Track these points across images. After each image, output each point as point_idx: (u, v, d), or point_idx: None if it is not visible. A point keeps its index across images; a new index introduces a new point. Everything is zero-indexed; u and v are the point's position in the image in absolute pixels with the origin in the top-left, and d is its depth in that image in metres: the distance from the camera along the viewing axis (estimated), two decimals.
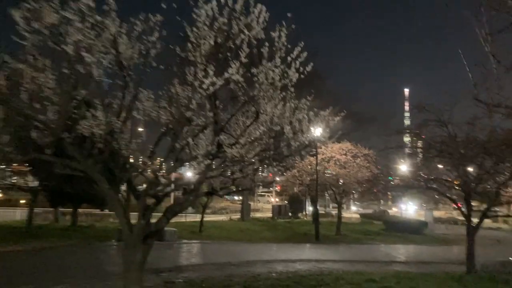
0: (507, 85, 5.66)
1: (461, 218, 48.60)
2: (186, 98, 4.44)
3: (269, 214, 47.71)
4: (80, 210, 27.99)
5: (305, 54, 5.72)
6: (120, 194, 5.81)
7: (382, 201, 76.74)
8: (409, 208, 60.02)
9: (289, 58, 5.63)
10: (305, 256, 17.74)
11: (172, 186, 5.84)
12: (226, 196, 72.61)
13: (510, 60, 5.41)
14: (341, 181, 26.88)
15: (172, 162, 5.27)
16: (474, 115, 12.59)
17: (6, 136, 5.60)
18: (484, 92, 5.71)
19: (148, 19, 4.58)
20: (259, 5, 5.01)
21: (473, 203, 13.81)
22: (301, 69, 5.85)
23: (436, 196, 18.77)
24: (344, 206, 54.44)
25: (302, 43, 5.52)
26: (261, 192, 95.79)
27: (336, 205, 31.30)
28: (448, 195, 13.84)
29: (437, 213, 54.04)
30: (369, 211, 64.82)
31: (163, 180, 4.77)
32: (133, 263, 5.57)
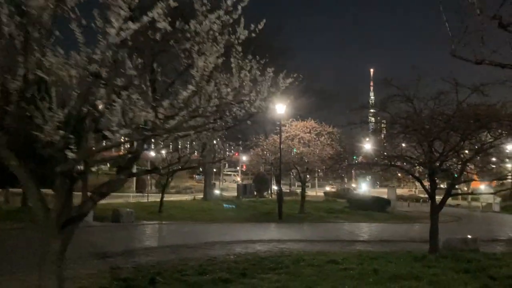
0: (491, 38, 4.98)
1: (423, 195, 49.80)
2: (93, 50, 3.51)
3: (235, 194, 47.16)
4: None
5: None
6: (35, 172, 4.82)
7: (346, 179, 77.92)
8: (362, 187, 60.84)
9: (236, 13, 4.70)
10: (266, 236, 17.18)
11: (92, 163, 4.89)
12: (197, 176, 71.78)
13: (494, 10, 4.71)
14: (305, 159, 26.40)
15: (93, 135, 4.32)
16: (440, 90, 12.15)
17: None
18: (463, 48, 4.99)
19: None
20: None
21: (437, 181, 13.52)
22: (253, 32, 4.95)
23: (399, 174, 18.63)
24: (309, 184, 54.62)
25: None
26: (227, 171, 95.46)
27: (300, 183, 30.98)
28: (412, 172, 13.45)
29: (399, 191, 55.07)
30: (333, 189, 65.49)
31: (70, 155, 3.84)
32: (50, 253, 4.66)
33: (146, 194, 41.77)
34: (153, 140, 5.64)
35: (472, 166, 12.48)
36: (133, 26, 3.41)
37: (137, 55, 4.05)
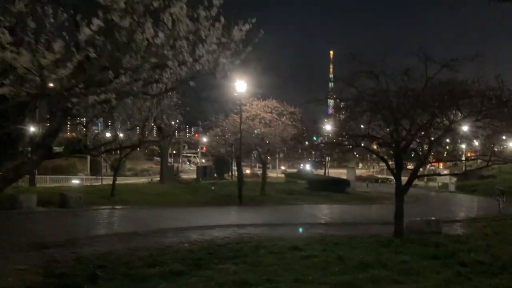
0: None
1: (381, 176, 50.53)
2: None
3: (195, 176, 45.95)
4: None
5: None
6: None
7: (309, 160, 77.96)
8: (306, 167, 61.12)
9: None
10: (225, 220, 16.26)
11: None
12: (157, 158, 69.49)
13: None
14: (267, 140, 25.57)
15: None
16: (408, 66, 11.47)
17: None
18: None
19: None
20: None
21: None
22: None
23: (358, 155, 18.16)
24: (270, 166, 54.07)
25: None
26: (187, 153, 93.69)
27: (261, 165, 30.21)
28: (377, 153, 12.83)
29: (358, 172, 55.62)
30: (294, 170, 65.45)
31: None
32: None
33: (100, 177, 39.98)
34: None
35: (440, 147, 11.93)
36: None
37: None
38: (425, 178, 55.25)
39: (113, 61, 3.48)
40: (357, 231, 15.10)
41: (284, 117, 25.76)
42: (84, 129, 7.15)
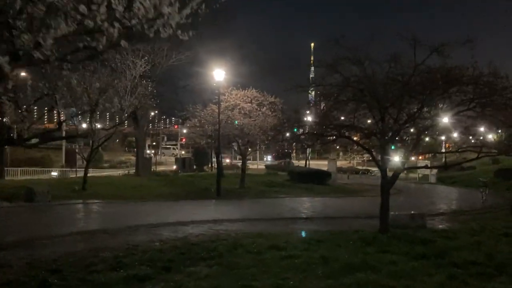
0: None
1: (361, 167, 50.30)
2: None
3: (174, 168, 44.80)
4: None
5: None
6: None
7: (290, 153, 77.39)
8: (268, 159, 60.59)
9: None
10: (201, 216, 15.39)
11: None
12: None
13: None
14: (246, 131, 24.67)
15: None
16: (396, 52, 10.73)
17: None
18: None
19: None
20: None
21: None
22: None
23: (338, 147, 17.48)
24: (251, 157, 53.18)
25: None
26: (166, 144, 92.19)
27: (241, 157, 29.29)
28: (362, 144, 12.11)
29: (338, 163, 55.19)
30: (275, 162, 64.77)
31: None
32: None
33: (75, 169, 38.53)
34: None
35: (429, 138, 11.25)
36: None
37: None
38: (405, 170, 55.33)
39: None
40: (340, 225, 14.43)
41: (265, 107, 24.88)
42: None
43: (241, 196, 23.00)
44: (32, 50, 2.84)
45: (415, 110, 10.23)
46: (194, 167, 44.91)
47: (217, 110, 23.64)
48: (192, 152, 55.23)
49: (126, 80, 21.49)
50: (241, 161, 30.01)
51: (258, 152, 58.43)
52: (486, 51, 9.94)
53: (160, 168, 46.50)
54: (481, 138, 12.08)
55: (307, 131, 11.78)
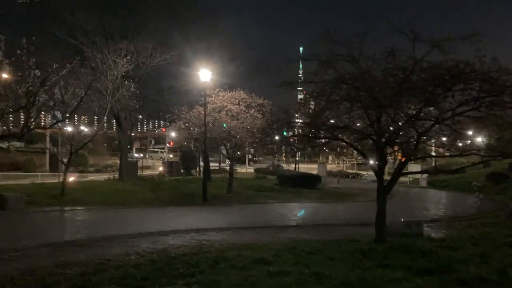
0: None
1: (351, 171, 49.54)
2: None
3: (160, 170, 43.66)
4: None
5: None
6: None
7: (276, 156, 76.57)
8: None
9: None
10: (184, 224, 14.39)
11: None
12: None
13: None
14: (234, 133, 23.74)
15: None
16: (393, 47, 9.90)
17: None
18: None
19: None
20: None
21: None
22: None
23: (326, 150, 16.51)
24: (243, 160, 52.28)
25: None
26: (154, 148, 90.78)
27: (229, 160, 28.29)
28: (356, 147, 11.24)
29: (328, 167, 54.46)
30: (264, 165, 63.87)
31: None
32: None
33: (58, 174, 37.24)
34: None
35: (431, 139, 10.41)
36: None
37: None
38: None
39: None
40: (332, 234, 13.59)
41: (253, 109, 23.98)
42: None
43: (228, 202, 22.03)
44: None
45: (417, 109, 9.39)
46: (182, 171, 43.83)
47: (203, 112, 22.69)
48: (180, 156, 54.16)
49: (107, 81, 20.48)
50: (229, 164, 29.01)
51: (246, 155, 57.61)
52: (488, 49, 9.08)
53: (147, 172, 45.35)
54: (484, 140, 11.37)
55: (297, 133, 10.86)
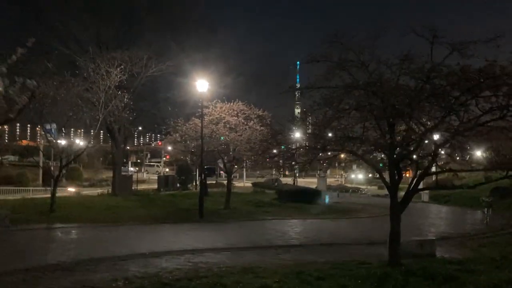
0: None
1: (350, 185, 48.51)
2: None
3: (156, 186, 42.51)
4: None
5: None
6: None
7: (275, 170, 75.40)
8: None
9: None
10: (179, 244, 13.35)
11: None
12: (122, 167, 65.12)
13: None
14: (231, 146, 22.77)
15: None
16: (410, 50, 9.05)
17: None
18: None
19: None
20: None
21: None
22: None
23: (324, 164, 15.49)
24: (237, 175, 51.14)
25: None
26: (150, 161, 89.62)
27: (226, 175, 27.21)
28: (367, 159, 10.31)
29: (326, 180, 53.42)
30: (261, 179, 62.86)
31: None
32: None
33: (48, 188, 36.08)
34: None
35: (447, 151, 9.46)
36: None
37: None
38: None
39: None
40: (340, 255, 12.56)
41: (252, 121, 23.06)
42: None
43: (226, 218, 20.96)
44: None
45: (436, 118, 8.49)
46: (178, 185, 42.71)
47: (200, 124, 21.76)
48: (176, 169, 53.03)
49: (100, 91, 19.56)
50: (226, 179, 27.97)
51: (244, 169, 56.53)
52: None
53: (142, 187, 44.22)
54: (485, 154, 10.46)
55: (302, 145, 9.92)
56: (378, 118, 9.05)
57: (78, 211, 20.34)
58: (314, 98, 9.56)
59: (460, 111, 8.20)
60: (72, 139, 25.91)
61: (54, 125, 20.16)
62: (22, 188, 42.42)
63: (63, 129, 18.58)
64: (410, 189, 9.81)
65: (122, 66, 20.65)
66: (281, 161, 11.06)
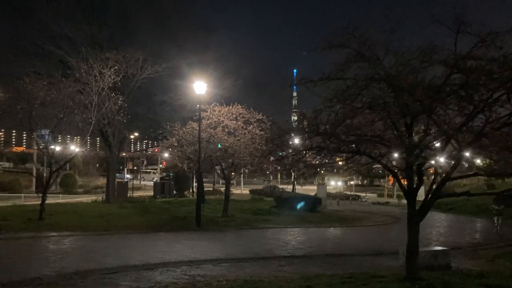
0: None
1: (350, 192, 47.61)
2: None
3: (152, 193, 41.47)
4: None
5: None
6: None
7: (271, 177, 74.33)
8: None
9: None
10: (175, 254, 12.36)
11: None
12: (117, 174, 64.08)
13: None
14: (231, 151, 21.83)
15: None
16: (427, 43, 8.21)
17: None
18: None
19: None
20: None
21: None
22: None
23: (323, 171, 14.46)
24: (235, 182, 50.17)
25: None
26: (146, 168, 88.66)
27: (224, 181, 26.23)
28: (385, 163, 9.42)
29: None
30: (259, 186, 61.88)
31: None
32: None
33: (38, 195, 35.04)
34: None
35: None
36: None
37: None
38: (394, 195, 52.81)
39: None
40: (347, 266, 11.67)
41: (251, 125, 22.17)
42: None
43: (224, 227, 19.98)
44: None
45: (463, 116, 7.61)
46: (174, 192, 41.71)
47: (197, 129, 20.85)
48: (172, 176, 52.04)
49: (93, 93, 18.66)
50: (224, 185, 27.01)
51: (242, 176, 55.56)
52: None
53: (138, 194, 43.19)
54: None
55: (312, 146, 8.99)
56: (395, 115, 8.16)
57: (69, 218, 19.37)
58: (325, 94, 8.67)
59: (493, 108, 7.35)
60: (65, 144, 25.01)
61: (46, 131, 19.33)
62: (14, 195, 41.40)
63: (51, 132, 17.60)
64: (430, 195, 8.88)
65: (116, 67, 19.78)
66: (288, 165, 10.08)
